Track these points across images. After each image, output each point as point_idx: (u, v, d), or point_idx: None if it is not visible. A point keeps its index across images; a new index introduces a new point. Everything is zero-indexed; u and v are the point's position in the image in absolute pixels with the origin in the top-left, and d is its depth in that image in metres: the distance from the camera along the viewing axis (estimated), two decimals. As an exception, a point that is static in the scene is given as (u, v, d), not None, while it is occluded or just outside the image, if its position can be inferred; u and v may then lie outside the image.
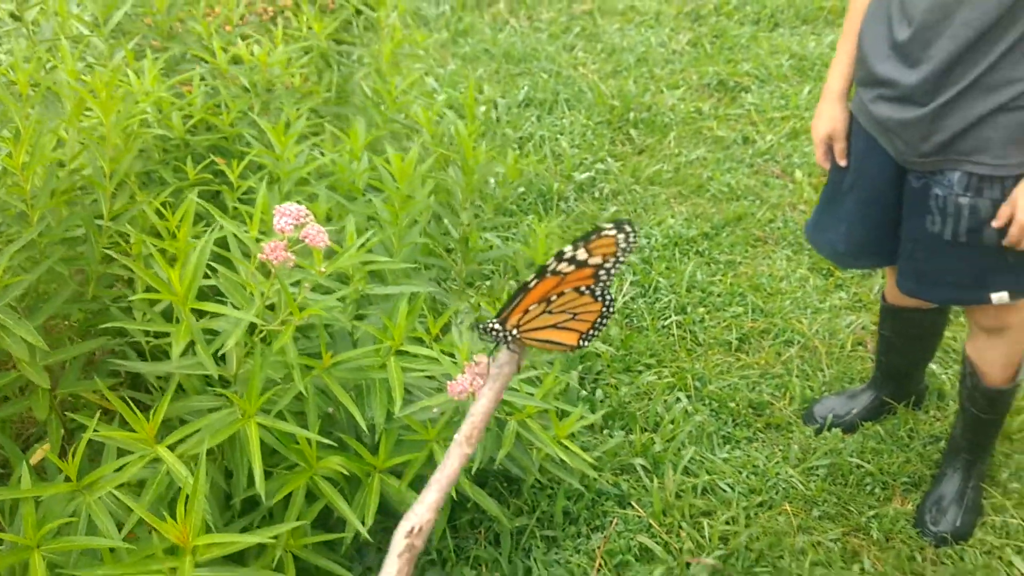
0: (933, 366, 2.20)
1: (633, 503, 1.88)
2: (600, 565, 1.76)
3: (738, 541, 1.79)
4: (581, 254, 1.00)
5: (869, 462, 1.99)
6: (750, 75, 3.67)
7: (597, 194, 2.95)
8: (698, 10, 4.29)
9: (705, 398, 2.14)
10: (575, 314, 1.04)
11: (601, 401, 2.10)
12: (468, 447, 0.92)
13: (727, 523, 1.84)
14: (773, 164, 3.09)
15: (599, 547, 1.79)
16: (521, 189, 2.91)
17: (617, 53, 3.90)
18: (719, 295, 2.49)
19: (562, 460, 1.71)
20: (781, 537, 1.82)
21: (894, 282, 1.84)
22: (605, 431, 2.02)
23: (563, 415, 1.80)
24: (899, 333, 2.02)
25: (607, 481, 1.91)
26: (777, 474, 1.96)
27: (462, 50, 3.98)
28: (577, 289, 1.01)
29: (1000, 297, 1.64)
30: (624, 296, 2.46)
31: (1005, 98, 1.45)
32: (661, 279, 2.53)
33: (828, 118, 1.73)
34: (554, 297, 1.01)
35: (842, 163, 1.75)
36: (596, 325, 1.04)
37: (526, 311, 1.02)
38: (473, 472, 1.57)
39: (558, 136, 3.25)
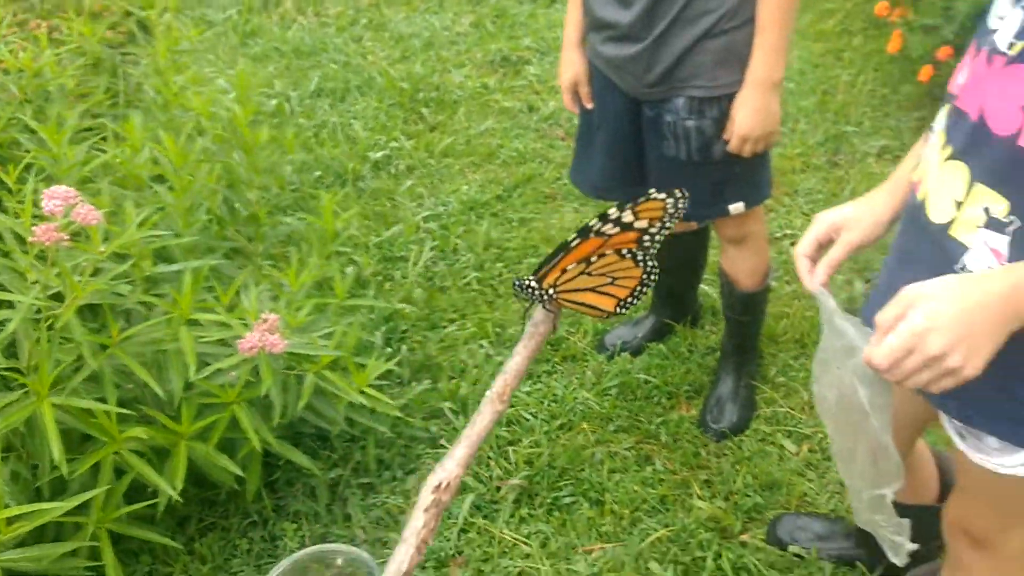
0: (706, 287, 2.43)
1: (444, 443, 2.00)
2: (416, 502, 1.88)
3: (541, 461, 1.95)
4: (627, 216, 0.96)
5: (655, 377, 2.19)
6: (531, 49, 3.88)
7: (393, 170, 3.06)
8: (479, -7, 4.48)
9: (506, 342, 2.29)
10: (614, 278, 1.00)
11: (408, 356, 2.21)
12: (500, 403, 0.90)
13: (531, 447, 2.00)
14: (557, 128, 3.29)
15: (413, 487, 1.90)
16: (318, 172, 2.99)
17: (404, 39, 4.03)
18: (515, 250, 2.66)
19: (371, 410, 1.81)
20: (580, 452, 1.98)
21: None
22: (413, 383, 2.14)
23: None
24: (667, 258, 2.23)
25: (417, 426, 2.03)
26: (575, 399, 2.13)
27: (252, 51, 4.00)
28: (619, 252, 0.97)
29: (737, 207, 1.86)
30: (425, 260, 2.58)
31: (706, 26, 1.66)
32: (460, 241, 2.68)
33: (569, 65, 1.91)
34: (594, 258, 0.97)
35: (588, 106, 1.93)
36: (635, 292, 1.00)
37: (564, 271, 0.98)
38: (276, 426, 1.65)
39: (352, 121, 3.35)
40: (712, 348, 2.28)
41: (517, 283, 1.01)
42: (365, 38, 4.08)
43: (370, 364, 1.76)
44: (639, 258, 0.97)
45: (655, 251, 1.04)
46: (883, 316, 0.91)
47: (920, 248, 1.06)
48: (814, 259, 1.13)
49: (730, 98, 1.72)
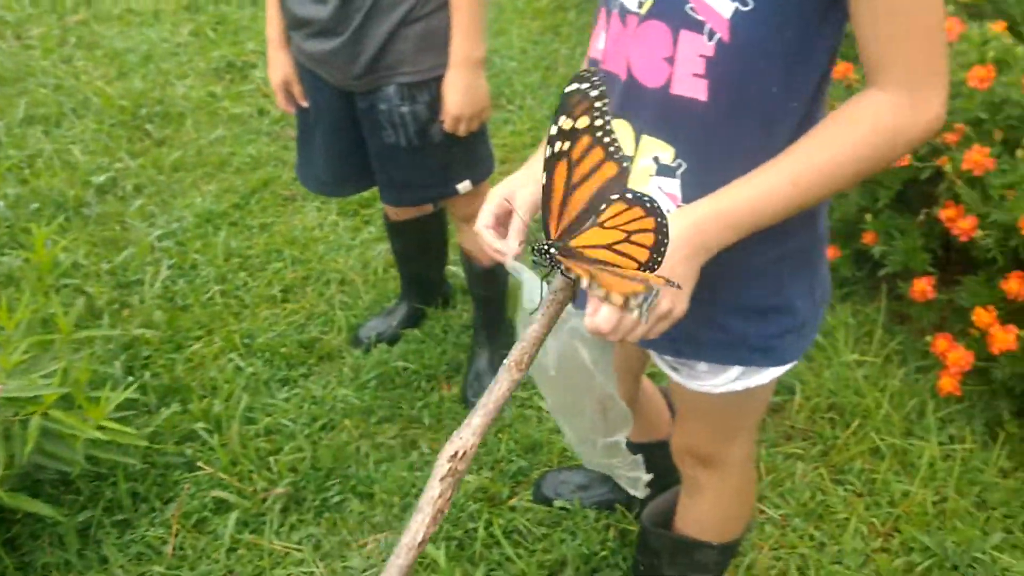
0: (452, 267, 2.48)
1: (201, 464, 1.93)
2: (178, 530, 1.80)
3: (305, 465, 1.92)
4: (566, 123, 0.90)
5: (413, 363, 2.21)
6: (256, 52, 3.78)
7: (120, 193, 2.90)
8: (196, 2, 4.31)
9: (256, 351, 2.24)
10: (628, 233, 0.90)
11: (152, 382, 2.11)
12: (517, 372, 0.86)
13: (294, 453, 1.96)
14: (289, 129, 3.23)
15: (174, 514, 1.82)
16: (35, 205, 2.78)
17: (120, 56, 3.81)
18: (257, 257, 2.59)
19: (115, 444, 1.72)
20: (345, 449, 1.97)
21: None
22: (162, 408, 2.04)
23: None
24: (408, 244, 2.26)
25: (171, 452, 1.94)
26: (334, 397, 2.11)
27: (-57, 83, 3.66)
28: (624, 198, 0.89)
29: (464, 186, 1.90)
30: (163, 281, 2.47)
31: (401, 14, 1.68)
32: (198, 256, 2.58)
33: (277, 65, 1.88)
34: (602, 207, 0.89)
35: (304, 104, 1.91)
36: (656, 247, 0.87)
37: (573, 220, 0.91)
38: (4, 478, 1.53)
39: (69, 146, 3.13)
40: (466, 326, 2.33)
41: (534, 247, 0.93)
42: (76, 58, 3.82)
43: (104, 396, 1.67)
44: (647, 205, 0.88)
45: (617, 143, 0.91)
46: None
47: (608, 206, 1.12)
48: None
49: (439, 81, 1.75)
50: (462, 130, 1.79)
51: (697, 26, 0.98)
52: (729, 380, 1.19)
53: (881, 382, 2.11)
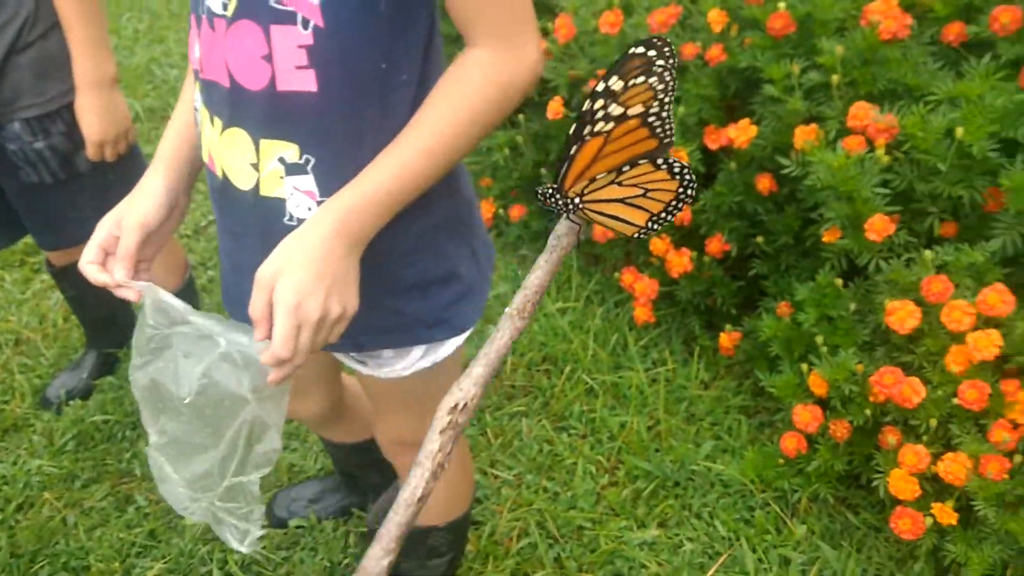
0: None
1: None
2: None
3: (3, 555, 1.72)
4: (616, 110, 0.84)
5: (113, 413, 2.04)
6: None
7: None
8: None
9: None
10: (647, 190, 0.89)
11: None
12: (520, 320, 0.83)
13: None
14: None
15: None
16: None
17: None
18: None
19: None
20: (48, 525, 1.79)
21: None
22: None
23: None
24: (82, 290, 2.07)
25: None
26: (28, 471, 1.91)
27: None
28: (654, 162, 0.86)
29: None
30: None
31: (7, 43, 1.52)
32: None
33: None
34: (626, 167, 0.86)
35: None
36: (670, 208, 0.87)
37: (592, 179, 0.88)
38: None
39: None
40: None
41: (539, 191, 0.89)
42: None
43: None
44: (675, 169, 0.86)
45: (670, 129, 0.86)
46: (255, 309, 0.91)
47: (245, 220, 1.07)
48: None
49: (71, 108, 1.60)
50: (109, 155, 1.65)
51: (288, 18, 0.93)
52: (416, 360, 1.19)
53: (585, 324, 2.20)
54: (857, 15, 1.85)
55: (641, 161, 0.88)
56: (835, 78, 1.74)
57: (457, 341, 1.20)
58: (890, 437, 1.57)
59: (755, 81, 1.92)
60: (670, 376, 2.06)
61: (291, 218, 1.03)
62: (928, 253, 1.59)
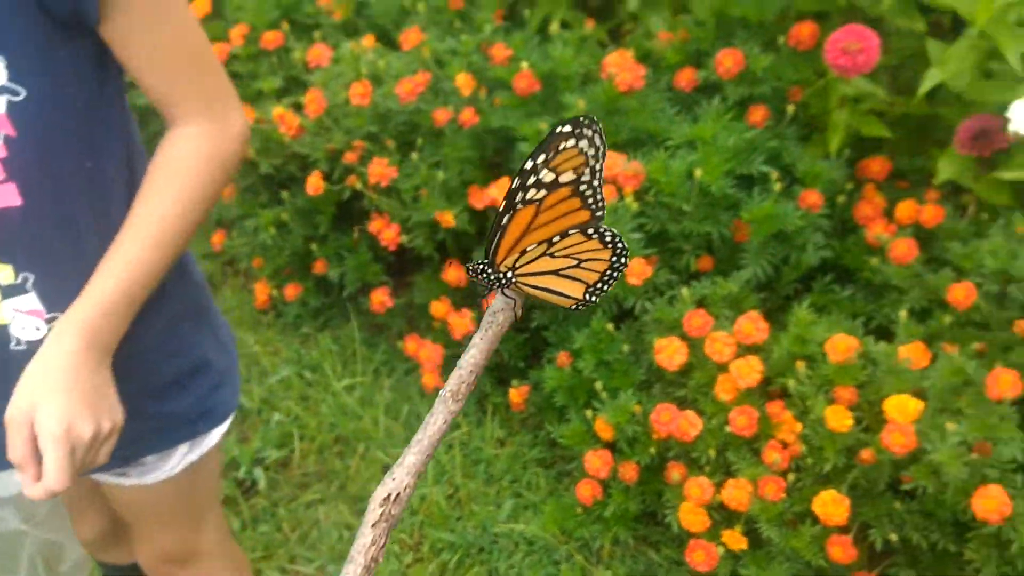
0: None
1: None
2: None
3: None
4: (547, 176, 0.82)
5: None
6: None
7: None
8: None
9: None
10: (580, 260, 0.88)
11: None
12: (454, 403, 0.80)
13: None
14: None
15: None
16: None
17: None
18: None
19: None
20: None
21: None
22: None
23: None
24: None
25: None
26: None
27: None
28: (584, 231, 0.85)
29: None
30: None
31: None
32: None
33: None
34: (557, 238, 0.85)
35: None
36: (605, 277, 0.86)
37: (523, 252, 0.86)
38: None
39: None
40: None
41: (470, 267, 0.84)
42: None
43: None
44: (607, 238, 0.82)
45: (601, 201, 0.82)
46: (15, 453, 0.83)
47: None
48: None
49: None
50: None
51: (-25, 132, 0.86)
52: (183, 456, 1.13)
53: (375, 398, 2.15)
54: (597, 69, 1.93)
55: (571, 231, 0.84)
56: (581, 131, 1.80)
57: (222, 429, 1.16)
58: (674, 473, 1.61)
59: (511, 139, 1.96)
60: (465, 439, 2.04)
61: (19, 343, 0.97)
62: (686, 290, 1.66)
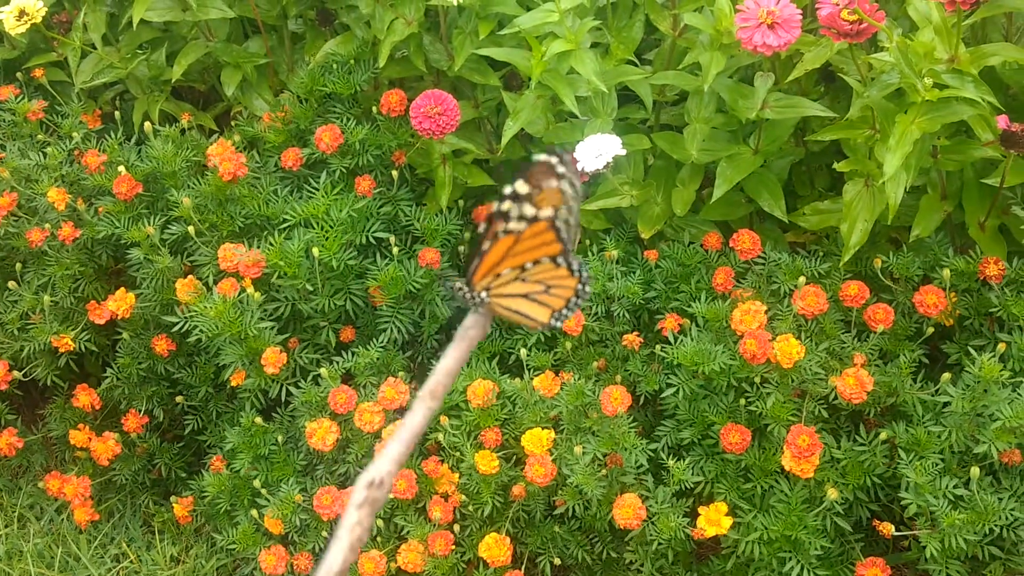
0: None
1: None
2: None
3: None
4: (529, 210, 0.88)
5: None
6: None
7: None
8: None
9: None
10: (548, 287, 0.93)
11: None
12: (432, 401, 0.87)
13: None
14: None
15: None
16: None
17: None
18: None
19: None
20: None
21: None
22: None
23: None
24: None
25: None
26: None
27: None
28: (554, 259, 0.91)
29: None
30: None
31: None
32: None
33: None
34: (529, 264, 0.91)
35: None
36: (570, 303, 0.97)
37: (498, 275, 0.91)
38: None
39: None
40: None
41: (447, 284, 0.99)
42: None
43: None
44: (575, 267, 0.92)
45: (576, 235, 0.90)
46: None
47: None
48: None
49: None
50: None
51: None
52: None
53: (23, 548, 1.94)
54: (202, 160, 1.90)
55: (543, 260, 0.93)
56: (191, 228, 1.75)
57: None
58: (348, 551, 1.60)
59: (125, 245, 1.87)
60: (136, 568, 1.90)
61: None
62: (325, 369, 1.66)
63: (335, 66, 1.92)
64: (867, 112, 1.56)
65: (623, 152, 1.58)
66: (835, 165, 1.61)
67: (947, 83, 1.38)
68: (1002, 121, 1.40)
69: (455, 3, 1.64)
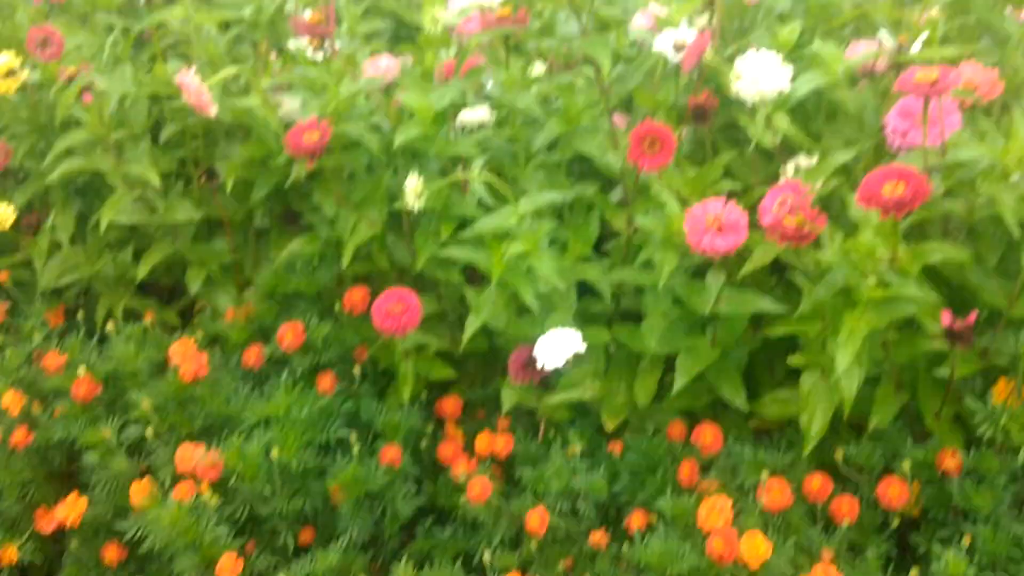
0: None
1: None
2: None
3: None
4: None
5: None
6: None
7: None
8: None
9: None
10: None
11: None
12: None
13: None
14: None
15: None
16: None
17: None
18: None
19: None
20: None
21: None
22: None
23: None
24: None
25: None
26: None
27: None
28: None
29: None
30: None
31: None
32: None
33: None
34: None
35: None
36: None
37: None
38: None
39: None
40: None
41: None
42: None
43: None
44: None
45: None
46: None
47: None
48: None
49: None
50: None
51: None
52: None
53: None
54: (164, 358, 1.89)
55: None
56: (149, 430, 1.73)
57: None
58: None
59: (80, 449, 1.83)
60: None
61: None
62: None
63: (299, 265, 1.95)
64: (819, 306, 1.60)
65: (583, 348, 1.60)
66: (789, 360, 1.64)
67: (890, 282, 1.43)
68: (946, 317, 1.44)
69: (416, 208, 1.69)
